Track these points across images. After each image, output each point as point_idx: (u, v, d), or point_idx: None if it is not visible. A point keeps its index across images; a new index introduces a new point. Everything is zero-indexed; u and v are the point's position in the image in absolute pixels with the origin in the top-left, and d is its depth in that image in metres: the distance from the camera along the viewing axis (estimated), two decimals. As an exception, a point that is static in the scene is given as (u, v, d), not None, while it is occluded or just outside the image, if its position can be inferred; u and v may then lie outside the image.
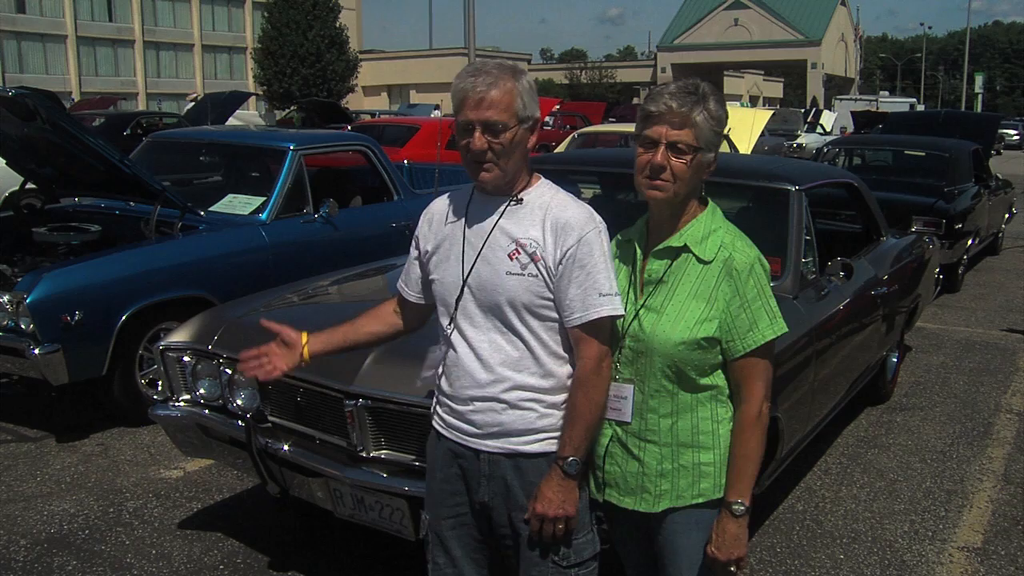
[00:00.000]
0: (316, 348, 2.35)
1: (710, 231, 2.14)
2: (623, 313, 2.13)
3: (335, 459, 3.05)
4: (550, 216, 2.11)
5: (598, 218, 2.14)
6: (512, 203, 2.15)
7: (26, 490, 4.24)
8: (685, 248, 2.14)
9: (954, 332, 7.59)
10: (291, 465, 3.17)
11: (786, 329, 2.14)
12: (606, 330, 2.12)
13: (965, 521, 4.10)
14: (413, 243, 2.33)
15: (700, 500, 2.14)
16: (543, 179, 2.21)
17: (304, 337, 2.33)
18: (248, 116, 28.30)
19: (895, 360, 5.76)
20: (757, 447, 2.12)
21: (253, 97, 34.01)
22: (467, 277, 2.14)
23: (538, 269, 2.09)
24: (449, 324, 2.19)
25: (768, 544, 3.82)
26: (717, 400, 2.15)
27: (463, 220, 2.19)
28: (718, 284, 2.09)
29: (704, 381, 2.13)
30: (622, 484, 2.20)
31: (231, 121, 16.96)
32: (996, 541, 3.91)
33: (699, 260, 2.12)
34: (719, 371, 2.14)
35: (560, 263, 2.08)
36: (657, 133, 2.07)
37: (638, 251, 2.22)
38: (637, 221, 2.28)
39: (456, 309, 2.16)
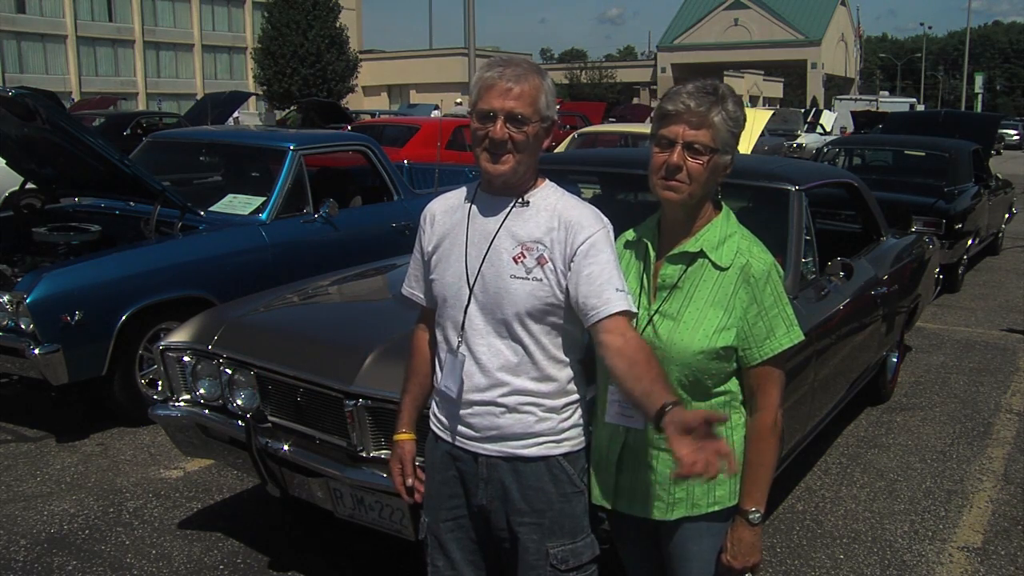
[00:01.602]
0: (413, 425, 2.36)
1: (726, 236, 2.11)
2: (637, 312, 2.10)
3: (335, 459, 3.05)
4: (557, 217, 2.10)
5: (605, 219, 2.13)
6: (518, 204, 2.13)
7: (26, 490, 4.24)
8: (701, 253, 2.10)
9: (954, 332, 7.59)
10: (291, 465, 3.17)
11: (803, 338, 2.12)
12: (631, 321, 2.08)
13: (965, 521, 4.10)
14: (416, 247, 2.30)
15: (716, 508, 2.13)
16: (548, 181, 2.19)
17: (405, 436, 2.34)
18: (247, 117, 28.32)
19: (895, 360, 5.76)
20: (772, 455, 2.11)
21: (253, 97, 34.01)
22: (473, 282, 2.12)
23: (544, 273, 2.07)
24: (454, 329, 2.16)
25: (768, 544, 3.82)
26: (731, 406, 2.13)
27: (466, 220, 2.17)
28: (735, 291, 2.06)
29: (719, 389, 2.11)
30: (633, 492, 2.18)
31: (232, 121, 16.96)
32: (996, 541, 3.91)
33: (715, 266, 2.09)
34: (733, 378, 2.12)
35: (572, 260, 2.06)
36: (674, 133, 2.03)
37: (651, 253, 2.17)
38: (647, 221, 2.24)
39: (465, 315, 2.13)
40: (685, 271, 2.11)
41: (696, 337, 2.06)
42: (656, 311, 2.12)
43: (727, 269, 2.08)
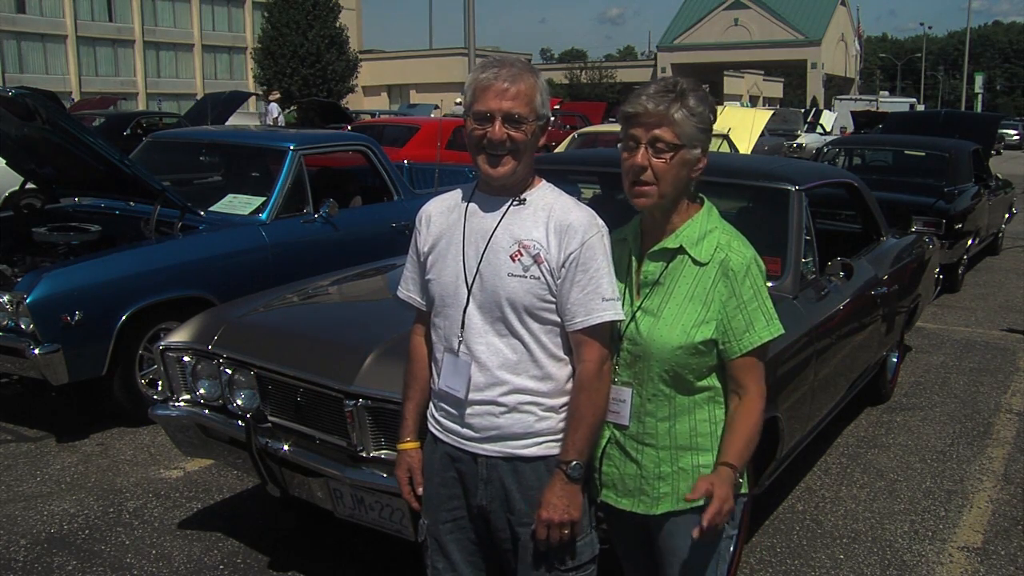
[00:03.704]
0: (418, 432, 2.35)
1: (706, 232, 2.13)
2: (624, 318, 2.13)
3: (335, 459, 3.05)
4: (553, 218, 2.11)
5: (601, 222, 2.14)
6: (515, 203, 2.14)
7: (26, 490, 4.24)
8: (681, 249, 2.12)
9: (954, 332, 7.59)
10: (291, 465, 3.18)
11: (782, 331, 2.14)
12: (607, 334, 2.12)
13: (965, 521, 4.10)
14: (412, 249, 2.30)
15: (700, 502, 2.14)
16: (544, 181, 2.21)
17: (411, 444, 2.34)
18: (246, 117, 28.15)
19: (895, 360, 5.76)
20: (756, 427, 2.09)
21: (253, 97, 33.96)
22: (471, 282, 2.13)
23: (541, 271, 2.08)
24: (453, 329, 2.16)
25: (768, 544, 3.82)
26: (715, 402, 2.14)
27: (462, 219, 2.18)
28: (714, 286, 2.08)
29: (701, 384, 2.12)
30: (619, 485, 2.19)
31: (232, 120, 16.93)
32: (996, 541, 3.91)
33: (695, 262, 2.11)
34: (715, 373, 2.13)
35: (563, 266, 2.08)
36: (636, 133, 2.07)
37: (633, 251, 2.20)
38: (632, 220, 2.27)
39: (464, 314, 2.14)
40: (666, 267, 2.14)
41: (675, 332, 2.08)
42: (639, 307, 2.14)
43: (706, 264, 2.10)
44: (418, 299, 2.31)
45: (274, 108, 21.81)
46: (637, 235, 2.22)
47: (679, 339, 2.07)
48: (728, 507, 2.04)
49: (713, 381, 2.13)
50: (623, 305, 2.15)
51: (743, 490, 2.17)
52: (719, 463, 2.09)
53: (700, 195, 2.21)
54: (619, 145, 2.15)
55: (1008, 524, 4.08)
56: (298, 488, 3.24)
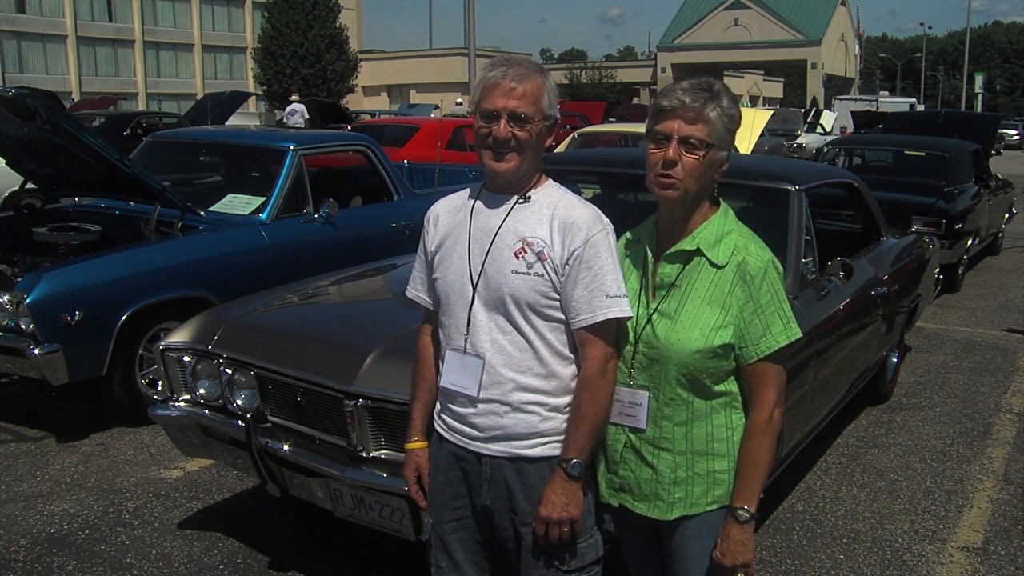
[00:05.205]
0: (425, 432, 2.34)
1: (723, 234, 2.11)
2: (631, 315, 2.11)
3: (335, 459, 3.05)
4: (558, 216, 2.11)
5: (605, 219, 2.14)
6: (520, 201, 2.14)
7: (26, 490, 4.24)
8: (698, 251, 2.10)
9: (954, 332, 7.59)
10: (291, 465, 3.18)
11: (800, 335, 2.11)
12: (612, 331, 2.11)
13: (965, 521, 4.10)
14: (420, 248, 2.31)
15: (714, 507, 2.13)
16: (550, 180, 2.21)
17: (418, 444, 2.33)
18: (246, 117, 28.06)
19: (895, 360, 5.76)
20: (766, 454, 2.09)
21: (253, 97, 33.91)
22: (476, 279, 2.13)
23: (544, 268, 2.08)
24: (459, 327, 2.16)
25: (768, 544, 3.82)
26: (732, 407, 2.12)
27: (468, 217, 2.18)
28: (732, 289, 2.06)
29: (719, 388, 2.10)
30: (636, 490, 2.18)
31: (232, 120, 16.91)
32: (996, 541, 3.91)
33: (712, 264, 2.09)
34: (733, 377, 2.12)
35: (567, 263, 2.08)
36: (669, 128, 2.04)
37: (649, 253, 2.18)
38: (646, 221, 2.25)
39: (470, 312, 2.14)
40: (683, 269, 2.12)
41: (693, 336, 2.06)
42: (655, 310, 2.12)
43: (724, 267, 2.08)
44: (426, 298, 2.31)
45: (304, 109, 21.47)
46: (652, 236, 2.20)
47: (697, 342, 2.05)
48: (745, 560, 2.08)
49: (730, 386, 2.12)
50: (637, 307, 2.13)
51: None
52: (731, 508, 2.09)
53: (718, 197, 2.18)
54: (644, 139, 2.12)
55: (1008, 524, 4.08)
56: (298, 488, 3.24)
